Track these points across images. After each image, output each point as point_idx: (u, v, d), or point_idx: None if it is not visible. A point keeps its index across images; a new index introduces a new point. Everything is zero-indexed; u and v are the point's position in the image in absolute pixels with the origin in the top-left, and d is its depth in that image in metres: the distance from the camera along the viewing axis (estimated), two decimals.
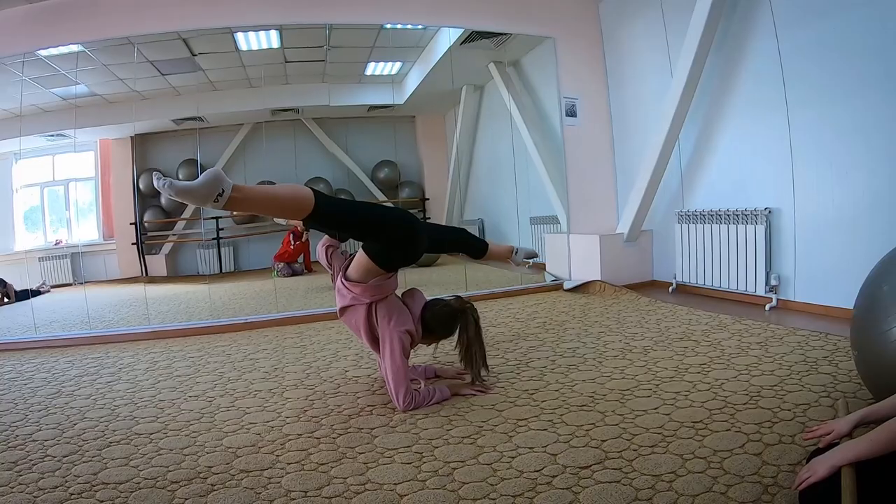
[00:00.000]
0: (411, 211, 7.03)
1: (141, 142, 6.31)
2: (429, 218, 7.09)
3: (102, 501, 1.49)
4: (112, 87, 5.52)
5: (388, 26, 5.70)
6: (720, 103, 3.88)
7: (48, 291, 5.65)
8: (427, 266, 6.67)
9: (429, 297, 2.33)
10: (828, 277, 3.21)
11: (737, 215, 3.67)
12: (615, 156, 5.01)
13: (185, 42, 5.19)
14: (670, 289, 4.31)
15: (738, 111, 3.76)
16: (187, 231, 6.47)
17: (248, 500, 1.47)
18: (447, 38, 5.57)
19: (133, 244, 6.09)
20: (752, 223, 3.56)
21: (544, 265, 5.35)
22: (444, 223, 7.16)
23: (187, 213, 6.39)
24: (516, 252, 2.78)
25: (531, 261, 2.87)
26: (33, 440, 2.01)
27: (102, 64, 5.11)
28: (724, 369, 2.25)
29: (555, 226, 5.21)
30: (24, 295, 5.31)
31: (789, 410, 1.79)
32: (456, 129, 7.05)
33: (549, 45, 4.95)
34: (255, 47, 5.58)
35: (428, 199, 7.13)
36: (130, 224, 6.16)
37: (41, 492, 1.57)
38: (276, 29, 5.36)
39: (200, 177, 1.65)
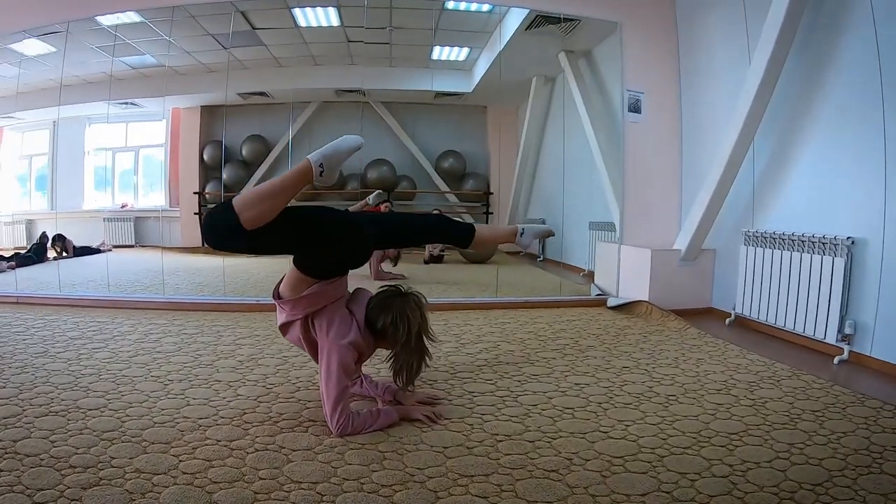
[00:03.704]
0: (471, 205, 6.76)
1: (209, 113, 6.44)
2: (491, 213, 6.78)
3: (3, 471, 1.48)
4: (178, 59, 5.62)
5: (451, 6, 5.40)
6: (803, 108, 3.18)
7: (109, 250, 5.88)
8: (479, 263, 6.32)
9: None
10: None
11: (813, 243, 2.97)
12: (683, 161, 4.34)
13: (244, 15, 5.15)
14: (727, 320, 3.65)
15: (824, 118, 3.05)
16: None
17: None
18: (514, 23, 5.19)
19: (196, 214, 6.23)
20: (830, 254, 2.86)
21: (592, 274, 4.83)
22: (507, 220, 6.81)
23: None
24: (522, 234, 2.34)
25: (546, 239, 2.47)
26: None
27: (165, 37, 5.18)
28: (757, 447, 1.70)
29: (612, 233, 4.67)
30: (84, 251, 5.54)
31: None
32: (524, 122, 6.67)
33: None
34: (314, 24, 5.47)
35: (492, 194, 6.81)
36: (194, 193, 6.31)
37: None
38: (334, 6, 5.21)
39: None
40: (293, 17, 5.28)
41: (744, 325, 3.57)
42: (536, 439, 1.75)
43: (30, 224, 5.48)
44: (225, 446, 1.67)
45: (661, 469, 1.55)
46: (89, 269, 4.89)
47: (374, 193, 5.57)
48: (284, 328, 1.94)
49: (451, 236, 2.23)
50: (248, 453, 1.63)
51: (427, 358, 1.90)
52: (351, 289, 2.00)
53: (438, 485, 1.46)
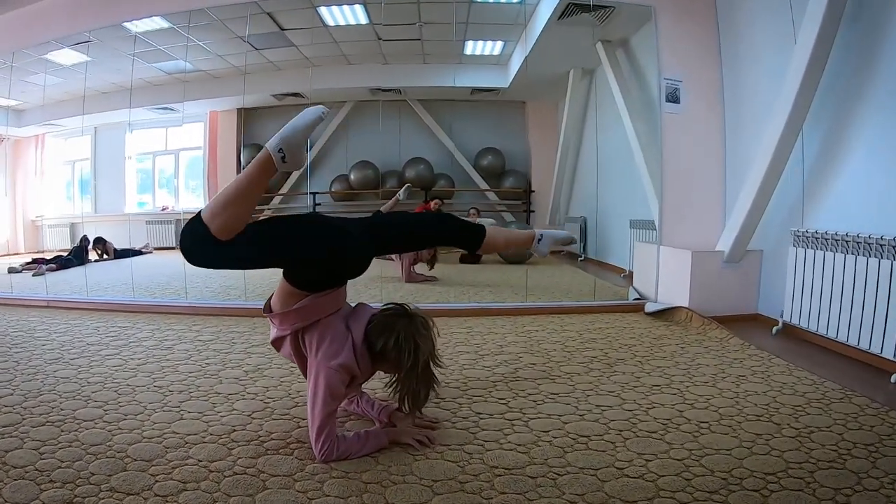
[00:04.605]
0: (511, 202, 6.56)
1: (246, 116, 6.50)
2: (532, 211, 6.57)
3: None
4: (211, 63, 5.68)
5: None
6: (857, 90, 2.81)
7: (150, 252, 6.03)
8: (517, 263, 6.12)
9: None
10: None
11: (869, 244, 2.60)
12: (726, 153, 3.96)
13: (271, 16, 5.13)
14: (774, 329, 3.29)
15: (881, 101, 2.67)
16: (283, 206, 6.60)
17: None
18: (546, 12, 4.97)
19: None
20: (888, 257, 2.50)
21: (631, 273, 4.54)
22: (547, 218, 6.59)
23: (284, 189, 6.53)
24: (540, 239, 2.21)
25: (566, 248, 2.31)
26: None
27: (196, 41, 5.22)
28: (797, 492, 1.43)
29: (654, 232, 4.37)
30: (125, 254, 5.69)
31: None
32: (563, 117, 6.42)
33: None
34: (341, 22, 5.40)
35: (533, 192, 6.61)
36: None
37: None
38: (360, 3, 5.11)
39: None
40: (320, 16, 5.23)
41: (792, 334, 3.22)
42: (540, 475, 1.55)
43: (73, 227, 5.67)
44: (204, 467, 1.58)
45: None
46: (124, 271, 5.00)
47: (404, 188, 5.46)
48: (276, 343, 1.83)
49: (458, 238, 2.07)
50: (225, 476, 1.53)
51: (435, 385, 1.74)
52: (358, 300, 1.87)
53: None
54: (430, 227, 2.05)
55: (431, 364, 1.71)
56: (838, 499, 1.39)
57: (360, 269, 1.78)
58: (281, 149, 1.51)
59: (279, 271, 1.71)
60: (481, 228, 2.05)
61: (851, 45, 2.85)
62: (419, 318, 1.71)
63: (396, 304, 1.77)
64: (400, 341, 1.64)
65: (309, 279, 1.67)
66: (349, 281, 1.84)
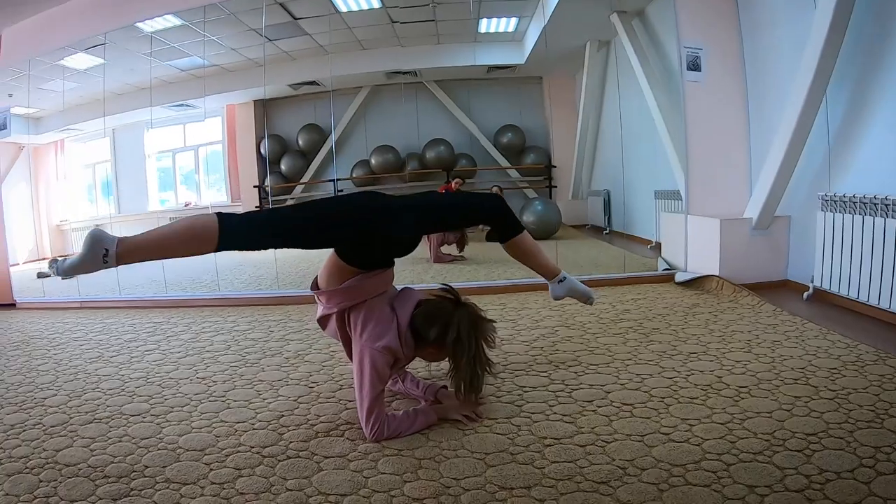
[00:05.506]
0: (533, 179, 6.51)
1: (264, 107, 6.52)
2: (554, 187, 6.53)
3: (42, 482, 1.50)
4: (226, 57, 5.69)
5: None
6: (882, 49, 2.71)
7: None
8: (541, 239, 6.11)
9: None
10: None
11: None
12: (750, 120, 3.88)
13: (283, 6, 5.11)
14: (805, 294, 3.24)
15: None
16: (306, 194, 6.66)
17: None
18: None
19: (256, 207, 6.37)
20: None
21: (660, 245, 4.50)
22: (569, 193, 6.55)
23: (306, 178, 6.57)
24: (561, 281, 2.25)
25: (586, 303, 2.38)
26: (42, 405, 2.11)
27: (211, 36, 5.23)
28: (839, 451, 1.43)
29: (680, 202, 4.33)
30: None
31: None
32: (581, 90, 6.33)
33: None
34: (354, 8, 5.37)
35: (555, 167, 6.55)
36: (254, 187, 6.46)
37: (10, 460, 1.64)
38: None
39: (82, 245, 1.54)
40: (333, 3, 5.20)
41: (823, 299, 3.17)
42: (588, 443, 1.57)
43: None
44: (257, 453, 1.62)
45: (728, 481, 1.33)
46: (154, 268, 5.08)
47: None
48: (323, 321, 1.87)
49: (499, 222, 2.06)
50: (279, 461, 1.57)
51: (489, 368, 1.74)
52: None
53: (474, 499, 1.33)
54: (471, 208, 2.04)
55: (484, 348, 1.72)
56: (878, 456, 1.40)
57: (403, 250, 1.79)
58: (105, 260, 1.53)
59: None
60: (522, 228, 2.08)
61: (873, 7, 2.75)
62: (472, 306, 1.72)
63: (446, 286, 1.78)
64: (461, 334, 1.63)
65: (361, 254, 1.69)
66: None
